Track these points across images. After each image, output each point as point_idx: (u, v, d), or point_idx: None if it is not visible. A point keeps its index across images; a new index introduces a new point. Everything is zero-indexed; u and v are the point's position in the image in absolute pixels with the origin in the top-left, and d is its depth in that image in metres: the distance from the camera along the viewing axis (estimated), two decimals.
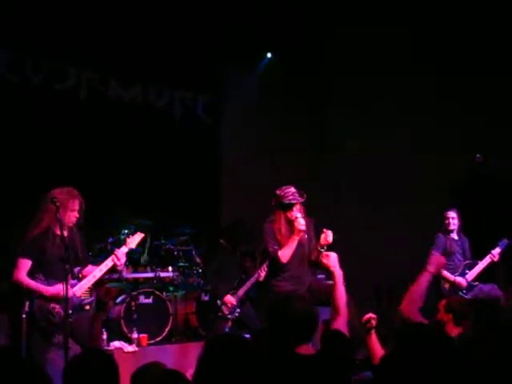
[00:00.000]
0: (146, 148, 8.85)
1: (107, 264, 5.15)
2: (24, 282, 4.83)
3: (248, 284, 6.94)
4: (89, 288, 5.18)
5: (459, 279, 6.86)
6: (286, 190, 5.49)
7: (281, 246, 5.51)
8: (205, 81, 9.74)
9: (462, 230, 7.23)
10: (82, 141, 8.21)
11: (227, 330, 6.24)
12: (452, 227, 7.08)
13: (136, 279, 7.75)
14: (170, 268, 7.88)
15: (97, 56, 8.45)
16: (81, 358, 2.92)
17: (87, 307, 5.19)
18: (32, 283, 4.85)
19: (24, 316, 6.10)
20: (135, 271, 7.78)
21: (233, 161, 9.80)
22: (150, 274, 7.76)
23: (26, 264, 4.85)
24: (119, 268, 5.42)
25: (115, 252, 5.20)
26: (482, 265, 6.97)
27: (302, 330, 3.23)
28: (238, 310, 6.11)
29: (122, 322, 7.02)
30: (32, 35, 7.78)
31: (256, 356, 2.86)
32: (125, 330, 6.99)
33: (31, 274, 4.85)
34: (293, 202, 5.44)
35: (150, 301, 7.32)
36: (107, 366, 2.78)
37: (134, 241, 5.38)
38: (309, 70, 10.27)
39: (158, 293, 7.36)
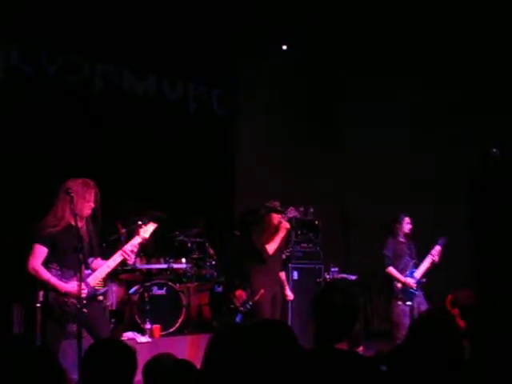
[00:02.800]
0: (160, 140, 8.85)
1: (115, 259, 5.13)
2: (40, 271, 4.76)
3: None
4: (102, 278, 5.20)
5: (408, 280, 7.17)
6: (274, 202, 6.77)
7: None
8: (219, 74, 9.72)
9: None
10: (95, 133, 8.21)
11: (238, 320, 6.31)
12: (407, 231, 7.37)
13: (149, 270, 7.79)
14: (184, 259, 7.91)
15: (111, 48, 8.47)
16: (99, 347, 2.92)
17: (100, 297, 5.20)
18: (48, 276, 4.77)
19: (38, 305, 6.16)
20: (149, 262, 7.81)
21: (246, 154, 9.79)
22: (164, 266, 7.79)
23: (42, 251, 4.77)
24: (130, 262, 5.40)
25: (123, 249, 5.14)
26: (426, 263, 7.30)
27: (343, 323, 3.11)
28: (250, 303, 6.27)
29: (136, 312, 7.06)
30: (46, 27, 7.79)
31: (264, 345, 2.87)
32: (138, 320, 7.03)
33: (45, 264, 4.84)
34: (280, 210, 6.73)
35: (163, 292, 7.35)
36: (126, 356, 2.79)
37: (147, 231, 5.30)
38: (323, 63, 10.26)
39: (171, 284, 7.40)
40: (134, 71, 8.92)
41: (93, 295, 4.97)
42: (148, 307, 7.11)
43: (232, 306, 7.05)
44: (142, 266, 7.67)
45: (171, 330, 7.20)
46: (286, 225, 6.71)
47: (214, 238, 8.32)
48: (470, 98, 8.86)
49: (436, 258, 7.29)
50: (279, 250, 6.79)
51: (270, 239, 6.62)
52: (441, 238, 7.36)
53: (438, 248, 7.30)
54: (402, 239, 7.35)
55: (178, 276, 7.83)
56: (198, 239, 8.20)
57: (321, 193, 9.82)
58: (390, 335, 7.32)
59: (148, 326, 6.99)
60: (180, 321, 7.28)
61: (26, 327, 6.43)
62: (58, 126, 7.91)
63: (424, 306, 7.01)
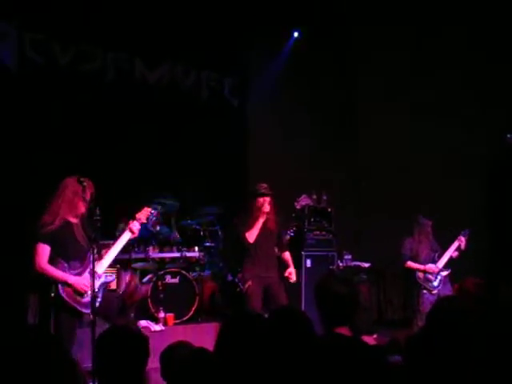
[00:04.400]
0: (173, 129, 8.84)
1: (122, 239, 5.22)
2: (47, 269, 4.83)
3: None
4: (109, 266, 5.27)
5: (429, 266, 7.29)
6: (260, 185, 6.48)
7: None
8: (231, 62, 9.68)
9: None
10: (108, 122, 8.21)
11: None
12: (427, 232, 7.45)
13: (162, 259, 7.79)
14: (197, 248, 7.90)
15: (123, 36, 8.44)
16: (111, 334, 2.92)
17: (111, 285, 5.25)
18: (56, 272, 4.84)
19: (53, 295, 6.19)
20: (161, 251, 7.81)
21: (259, 142, 9.76)
22: (177, 254, 7.79)
23: (45, 250, 4.85)
24: (135, 235, 5.41)
25: (129, 225, 5.29)
26: (448, 253, 7.45)
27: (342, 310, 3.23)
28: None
29: (149, 301, 7.07)
30: (58, 16, 7.77)
31: (272, 333, 2.87)
32: (151, 309, 7.04)
33: (51, 260, 4.87)
34: (264, 192, 6.41)
35: (176, 280, 7.36)
36: (138, 342, 2.79)
37: (142, 215, 5.40)
38: (335, 47, 10.19)
39: (184, 272, 7.40)
40: (147, 59, 8.88)
41: (103, 283, 5.01)
42: (162, 296, 7.12)
43: (238, 290, 7.07)
44: (155, 254, 7.67)
45: (185, 318, 7.22)
46: (265, 208, 6.39)
47: (227, 226, 8.30)
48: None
49: (462, 245, 7.44)
50: (267, 234, 6.50)
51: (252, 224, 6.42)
52: (464, 230, 7.50)
53: (462, 238, 7.46)
54: (419, 238, 7.42)
55: (191, 264, 7.83)
56: (210, 227, 8.20)
57: (334, 180, 9.79)
58: (404, 324, 7.34)
59: (162, 314, 7.01)
60: (193, 309, 7.29)
61: (41, 318, 6.45)
62: (71, 116, 7.89)
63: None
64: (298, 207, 8.62)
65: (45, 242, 4.85)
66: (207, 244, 8.04)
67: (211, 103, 9.59)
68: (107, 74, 8.55)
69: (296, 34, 10.14)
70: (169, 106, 8.94)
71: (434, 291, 7.20)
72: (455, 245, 7.49)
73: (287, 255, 6.84)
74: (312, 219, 8.54)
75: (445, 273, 7.33)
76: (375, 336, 7.86)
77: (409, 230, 7.51)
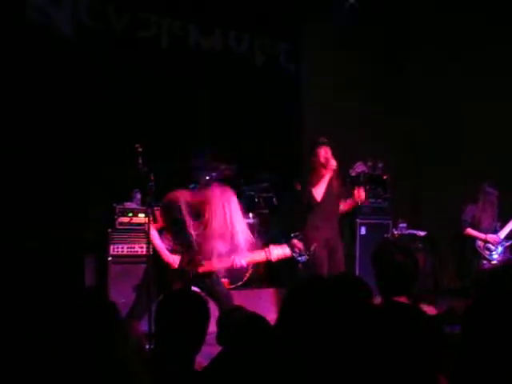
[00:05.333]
0: (228, 94, 8.80)
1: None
2: (151, 236, 4.78)
3: None
4: None
5: (490, 236, 7.13)
6: (321, 138, 6.19)
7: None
8: (285, 28, 9.56)
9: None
10: (165, 88, 8.23)
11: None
12: (491, 200, 7.23)
13: None
14: (251, 214, 7.90)
15: (177, 3, 8.40)
16: (174, 295, 2.94)
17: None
18: (158, 243, 4.87)
19: (110, 259, 6.30)
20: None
21: (315, 109, 9.65)
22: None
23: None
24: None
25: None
26: (511, 224, 7.21)
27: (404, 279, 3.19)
28: (306, 254, 5.99)
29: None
30: None
31: (337, 300, 2.85)
32: None
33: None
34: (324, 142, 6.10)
35: None
36: (198, 305, 2.80)
37: (274, 252, 5.15)
38: (388, 16, 9.96)
39: None
40: (201, 26, 8.84)
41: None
42: None
43: (293, 255, 7.02)
44: None
45: (239, 283, 7.26)
46: (333, 163, 5.98)
47: (282, 193, 8.27)
48: None
49: None
50: (332, 193, 6.11)
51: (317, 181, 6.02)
52: None
53: None
54: (483, 206, 7.22)
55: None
56: (265, 194, 8.18)
57: (391, 147, 9.65)
58: (461, 293, 7.23)
59: None
60: (248, 275, 7.32)
61: (99, 279, 6.59)
62: (126, 83, 7.91)
63: None
64: (353, 174, 8.52)
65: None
66: (262, 210, 8.02)
67: (266, 68, 9.50)
68: (162, 41, 8.55)
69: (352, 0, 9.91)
70: (224, 71, 8.88)
71: (494, 261, 7.04)
72: None
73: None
74: (367, 187, 8.44)
75: (506, 244, 7.14)
76: (433, 306, 7.77)
77: (471, 197, 7.33)
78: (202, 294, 4.61)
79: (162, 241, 4.91)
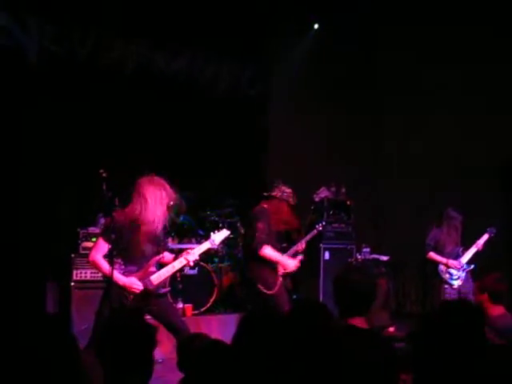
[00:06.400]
0: (191, 121, 8.81)
1: (181, 261, 5.18)
2: (98, 263, 4.80)
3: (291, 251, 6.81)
4: (165, 278, 5.16)
5: (451, 261, 7.17)
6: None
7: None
8: (251, 54, 9.61)
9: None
10: (126, 114, 8.21)
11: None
12: (454, 225, 7.29)
13: (181, 250, 7.78)
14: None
15: (143, 27, 8.43)
16: (116, 322, 2.87)
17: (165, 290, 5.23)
18: (106, 268, 4.78)
19: (72, 284, 6.21)
20: (180, 242, 7.83)
21: (279, 134, 9.72)
22: (195, 245, 7.79)
23: (102, 246, 4.80)
24: (189, 265, 5.35)
25: (189, 251, 5.24)
26: (472, 250, 7.28)
27: (360, 301, 3.25)
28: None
29: (168, 292, 7.08)
30: (78, 7, 7.79)
31: (292, 330, 2.88)
32: (170, 300, 7.06)
33: (110, 257, 4.81)
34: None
35: (195, 272, 7.39)
36: (145, 332, 2.74)
37: (218, 237, 5.34)
38: (356, 40, 10.11)
39: (203, 264, 7.41)
40: (167, 50, 8.87)
41: (154, 293, 4.97)
42: (180, 286, 7.15)
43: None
44: (174, 245, 7.69)
45: (203, 309, 7.25)
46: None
47: (245, 217, 8.30)
48: None
49: (480, 247, 7.26)
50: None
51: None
52: (490, 228, 7.34)
53: (485, 237, 7.29)
54: (447, 230, 7.27)
55: (210, 256, 7.83)
56: (229, 219, 8.20)
57: (353, 173, 9.75)
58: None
59: (180, 305, 7.04)
60: (212, 300, 7.33)
61: (61, 306, 6.51)
62: (88, 109, 7.89)
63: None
64: (316, 199, 8.61)
65: (104, 238, 4.85)
66: None
67: (230, 95, 9.54)
68: (127, 66, 8.54)
69: (316, 26, 10.06)
70: (188, 97, 8.90)
71: (455, 286, 7.10)
72: (481, 241, 7.30)
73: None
74: (331, 212, 8.53)
75: (468, 269, 7.21)
76: (392, 329, 7.83)
77: (435, 221, 7.38)
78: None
79: (115, 264, 4.84)
